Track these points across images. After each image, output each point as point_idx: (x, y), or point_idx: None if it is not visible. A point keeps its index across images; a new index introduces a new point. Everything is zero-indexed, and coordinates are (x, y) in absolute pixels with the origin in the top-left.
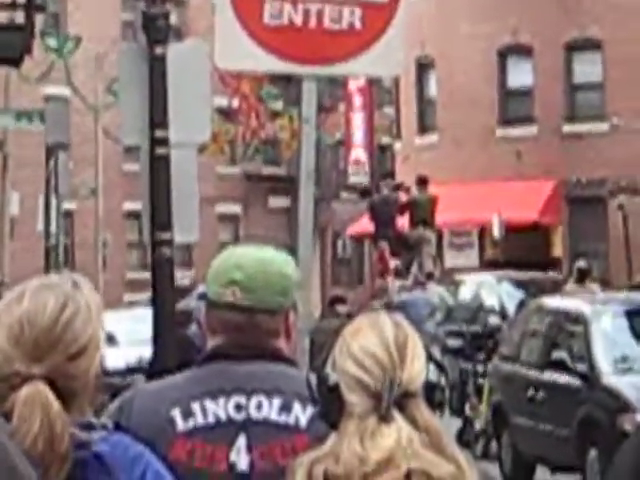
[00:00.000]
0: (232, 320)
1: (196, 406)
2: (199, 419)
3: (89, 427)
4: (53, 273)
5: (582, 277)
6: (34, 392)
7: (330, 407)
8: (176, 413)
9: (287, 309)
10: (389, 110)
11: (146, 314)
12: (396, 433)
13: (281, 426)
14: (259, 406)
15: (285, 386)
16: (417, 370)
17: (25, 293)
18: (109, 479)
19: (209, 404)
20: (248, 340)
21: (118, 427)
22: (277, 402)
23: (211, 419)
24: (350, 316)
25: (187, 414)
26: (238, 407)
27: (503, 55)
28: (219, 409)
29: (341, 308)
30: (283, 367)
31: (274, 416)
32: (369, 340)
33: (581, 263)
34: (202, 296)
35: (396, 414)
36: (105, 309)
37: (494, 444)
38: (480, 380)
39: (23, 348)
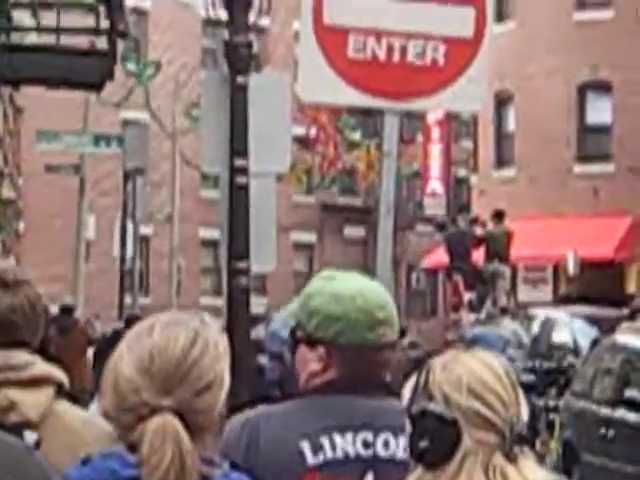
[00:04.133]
0: (371, 359)
1: (325, 440)
2: (328, 454)
3: (210, 463)
4: (128, 297)
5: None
6: (165, 424)
7: (443, 442)
8: (305, 445)
9: None
10: (467, 143)
11: None
12: (525, 471)
13: (407, 465)
14: (386, 444)
15: None
16: (525, 410)
17: (155, 326)
18: None
19: (338, 439)
20: (369, 374)
21: (234, 465)
22: (403, 441)
23: (340, 454)
24: (413, 346)
25: (316, 448)
26: (366, 444)
27: (582, 91)
28: (347, 445)
29: (404, 340)
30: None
31: (400, 455)
32: (484, 376)
33: (638, 301)
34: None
35: (518, 452)
36: None
37: None
38: (551, 416)
39: (152, 380)
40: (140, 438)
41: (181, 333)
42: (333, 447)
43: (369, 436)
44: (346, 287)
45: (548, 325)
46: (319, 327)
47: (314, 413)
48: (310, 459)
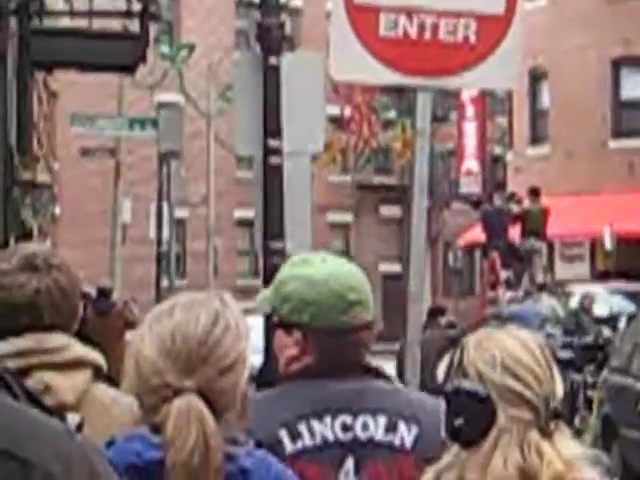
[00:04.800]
0: (347, 341)
1: (303, 427)
2: (307, 440)
3: (234, 442)
4: (165, 279)
5: None
6: (189, 405)
7: (478, 420)
8: (283, 434)
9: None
10: (501, 120)
11: (256, 322)
12: (560, 447)
13: (387, 446)
14: (365, 426)
15: (389, 405)
16: (560, 386)
17: (176, 306)
18: None
19: (316, 425)
20: (346, 356)
21: (259, 444)
22: (382, 422)
23: (318, 440)
24: (451, 326)
25: (295, 435)
26: (345, 427)
27: (617, 66)
28: (326, 430)
29: (441, 319)
30: (383, 384)
31: (380, 436)
32: (518, 353)
33: None
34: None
35: (554, 428)
36: None
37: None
38: (590, 392)
39: (174, 361)
40: (164, 419)
41: (202, 313)
42: (312, 433)
43: (348, 419)
44: (318, 271)
45: (586, 301)
46: (293, 312)
47: (292, 400)
48: (289, 447)
